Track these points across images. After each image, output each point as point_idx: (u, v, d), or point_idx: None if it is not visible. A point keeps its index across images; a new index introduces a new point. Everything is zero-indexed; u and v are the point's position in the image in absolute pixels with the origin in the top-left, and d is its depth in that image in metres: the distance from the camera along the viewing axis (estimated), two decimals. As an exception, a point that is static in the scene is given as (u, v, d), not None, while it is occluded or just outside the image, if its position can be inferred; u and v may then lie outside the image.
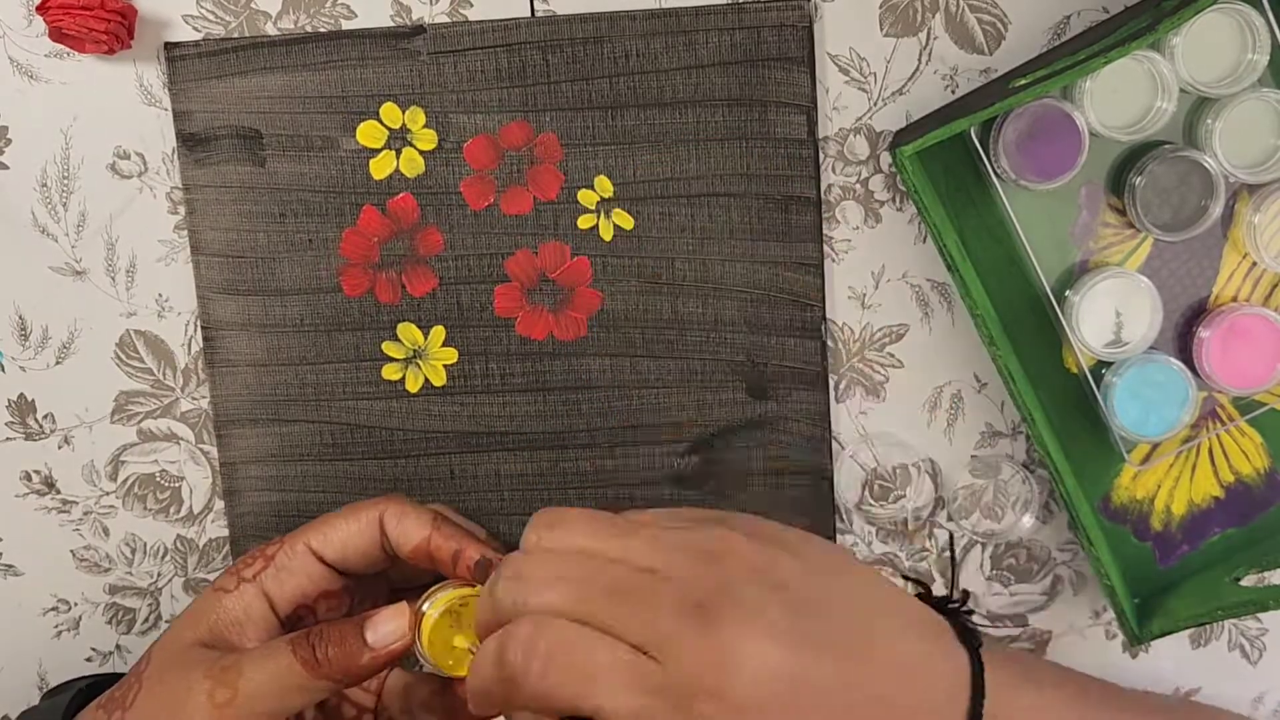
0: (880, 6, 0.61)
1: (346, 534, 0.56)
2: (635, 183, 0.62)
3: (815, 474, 0.63)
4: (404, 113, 0.61)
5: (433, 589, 0.55)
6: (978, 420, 0.64)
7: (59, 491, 0.65)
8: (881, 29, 0.61)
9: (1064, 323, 0.59)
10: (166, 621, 0.66)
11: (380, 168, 0.62)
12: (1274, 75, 0.58)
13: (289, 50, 0.61)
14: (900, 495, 0.64)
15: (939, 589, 0.65)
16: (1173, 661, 0.65)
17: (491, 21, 0.61)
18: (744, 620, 0.45)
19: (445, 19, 0.61)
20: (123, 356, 0.64)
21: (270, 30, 0.61)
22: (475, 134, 0.62)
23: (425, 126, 0.62)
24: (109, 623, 0.66)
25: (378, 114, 0.61)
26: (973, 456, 0.64)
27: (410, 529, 0.55)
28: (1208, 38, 0.57)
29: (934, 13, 0.61)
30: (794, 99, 0.61)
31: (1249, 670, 0.65)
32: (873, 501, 0.64)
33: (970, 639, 0.50)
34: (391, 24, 0.61)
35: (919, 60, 0.61)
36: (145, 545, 0.65)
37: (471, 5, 0.61)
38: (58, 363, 0.64)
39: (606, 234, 0.62)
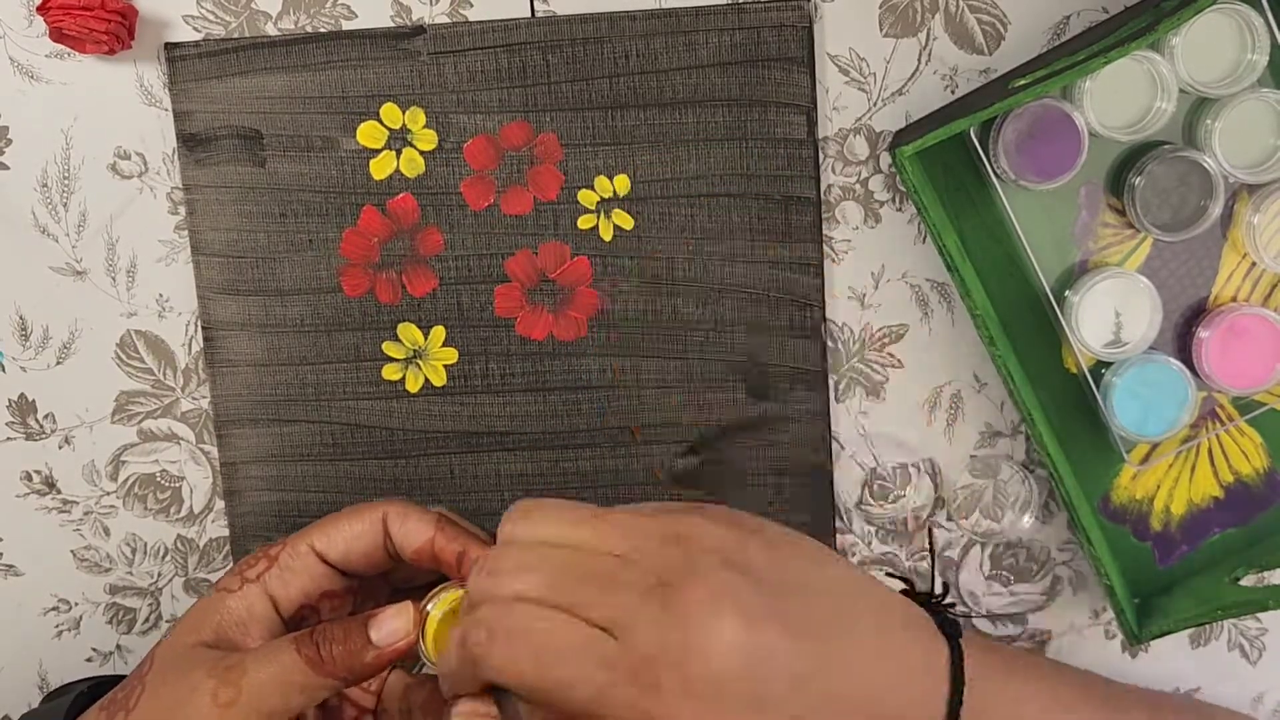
0: (880, 7, 0.61)
1: (350, 535, 0.56)
2: (635, 183, 0.62)
3: (815, 474, 0.63)
4: (404, 113, 0.62)
5: (436, 589, 0.55)
6: (977, 420, 0.64)
7: (59, 491, 0.65)
8: (881, 29, 0.61)
9: (1064, 323, 0.59)
10: (167, 621, 0.66)
11: (380, 168, 0.62)
12: (1273, 75, 0.58)
13: (289, 50, 0.61)
14: (900, 495, 0.64)
15: (925, 585, 0.65)
16: (1172, 661, 0.65)
17: (491, 22, 0.61)
18: (708, 597, 0.45)
19: (445, 19, 0.61)
20: (123, 356, 0.64)
21: (270, 30, 0.61)
22: (475, 134, 0.62)
23: (425, 127, 0.62)
24: (109, 623, 0.66)
25: (378, 114, 0.62)
26: (972, 456, 0.64)
27: (414, 530, 0.56)
28: (1207, 38, 0.57)
29: (934, 13, 0.61)
30: (794, 99, 0.61)
31: (1249, 670, 0.65)
32: (873, 501, 0.64)
33: (951, 629, 0.51)
34: (391, 24, 0.61)
35: (919, 60, 0.61)
36: (146, 545, 0.65)
37: (471, 5, 0.61)
38: (58, 363, 0.64)
39: (606, 234, 0.62)
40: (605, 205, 0.62)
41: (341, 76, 0.61)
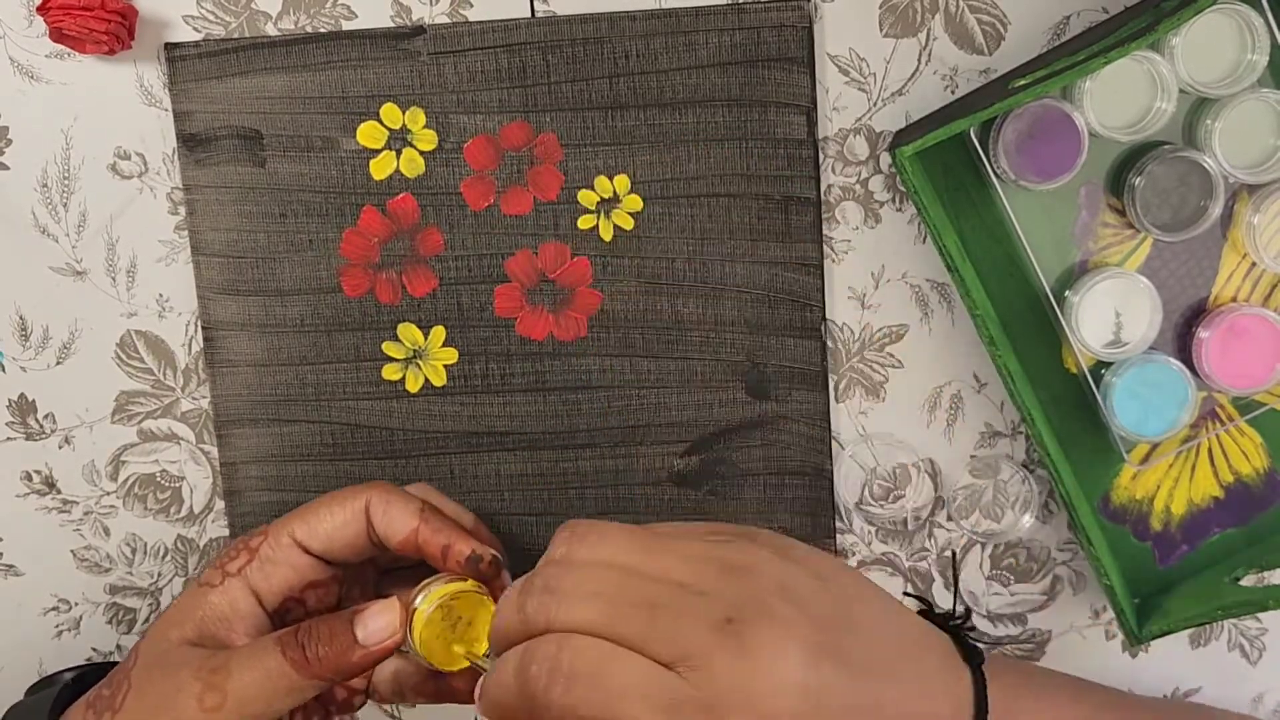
0: (880, 7, 0.61)
1: (332, 525, 0.55)
2: (635, 183, 0.62)
3: (815, 474, 0.63)
4: (404, 113, 0.62)
5: (424, 583, 0.54)
6: (977, 420, 0.64)
7: (59, 491, 0.65)
8: (881, 29, 0.61)
9: (1064, 323, 0.59)
10: (167, 621, 0.66)
11: (380, 168, 0.62)
12: (1273, 75, 0.58)
13: (289, 51, 0.61)
14: (900, 495, 0.64)
15: (938, 589, 0.65)
16: (1172, 661, 0.65)
17: (491, 22, 0.61)
18: (776, 636, 0.44)
19: (445, 19, 0.61)
20: (123, 356, 0.64)
21: (270, 31, 0.61)
22: (475, 134, 0.62)
23: (425, 127, 0.62)
24: (109, 622, 0.66)
25: (378, 114, 0.62)
26: (972, 456, 0.64)
27: (396, 521, 0.55)
28: (1207, 38, 0.57)
29: (934, 13, 0.61)
30: (794, 99, 0.61)
31: (1248, 670, 0.65)
32: (873, 501, 0.64)
33: (973, 657, 0.50)
34: (392, 24, 0.61)
35: (919, 60, 0.61)
36: (146, 545, 0.65)
37: (471, 5, 0.61)
38: (58, 363, 0.64)
39: (606, 234, 0.62)
40: (605, 205, 0.62)
41: (341, 76, 0.61)
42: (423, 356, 0.63)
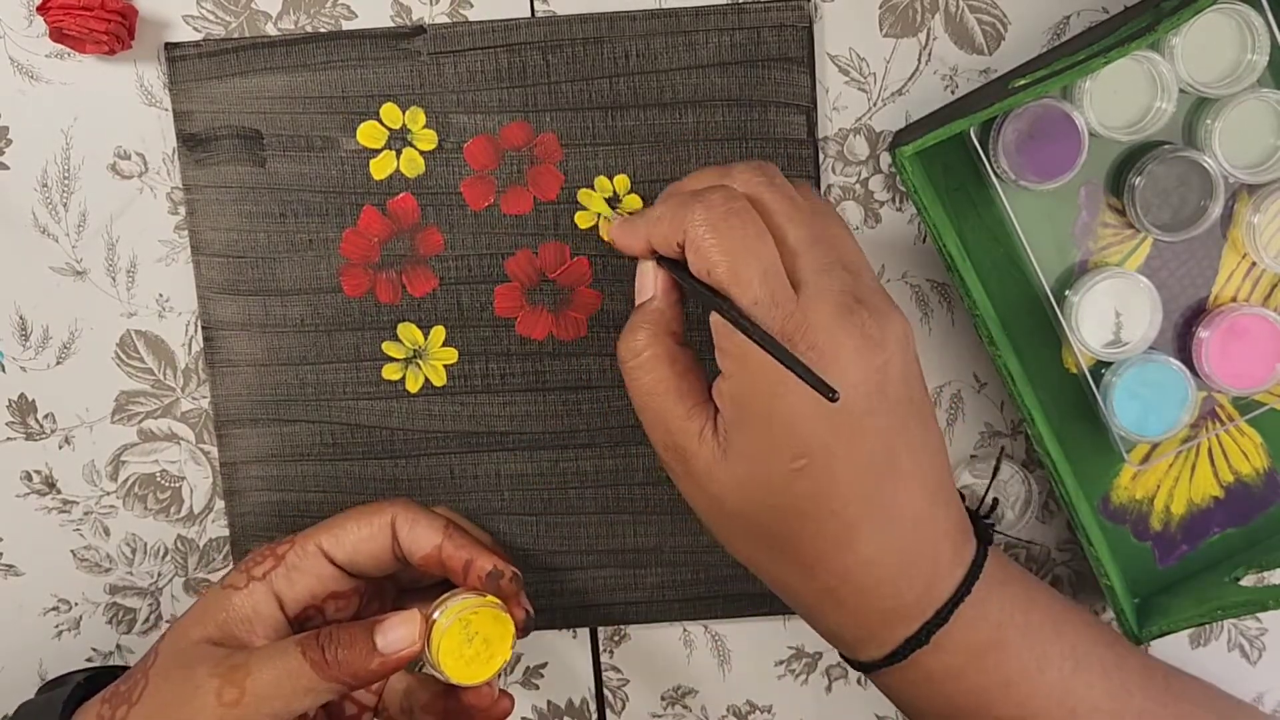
0: (880, 7, 0.61)
1: (358, 537, 0.56)
2: (635, 183, 0.62)
3: (815, 474, 0.63)
4: (404, 113, 0.62)
5: (444, 597, 0.55)
6: (978, 420, 0.64)
7: (59, 491, 0.65)
8: (881, 29, 0.61)
9: (1063, 323, 0.59)
10: (167, 621, 0.66)
11: (380, 168, 0.62)
12: (1273, 75, 0.58)
13: (289, 51, 0.61)
14: (900, 495, 0.64)
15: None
16: (1172, 661, 0.65)
17: (491, 22, 0.61)
18: (879, 329, 0.51)
19: (445, 19, 0.61)
20: (123, 356, 0.64)
21: (270, 30, 0.61)
22: (475, 134, 0.62)
23: (425, 127, 0.62)
24: (109, 623, 0.66)
25: (378, 114, 0.62)
26: (972, 456, 0.64)
27: (421, 536, 0.56)
28: (1207, 38, 0.57)
29: (934, 13, 0.61)
30: (794, 99, 0.61)
31: (1248, 670, 0.65)
32: (873, 501, 0.64)
33: (983, 536, 0.55)
34: (392, 24, 0.61)
35: (919, 60, 0.61)
36: (146, 545, 0.65)
37: (471, 5, 0.61)
38: (58, 363, 0.64)
39: (606, 234, 0.62)
40: (605, 205, 0.62)
41: (341, 76, 0.61)
42: (423, 356, 0.63)
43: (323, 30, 0.61)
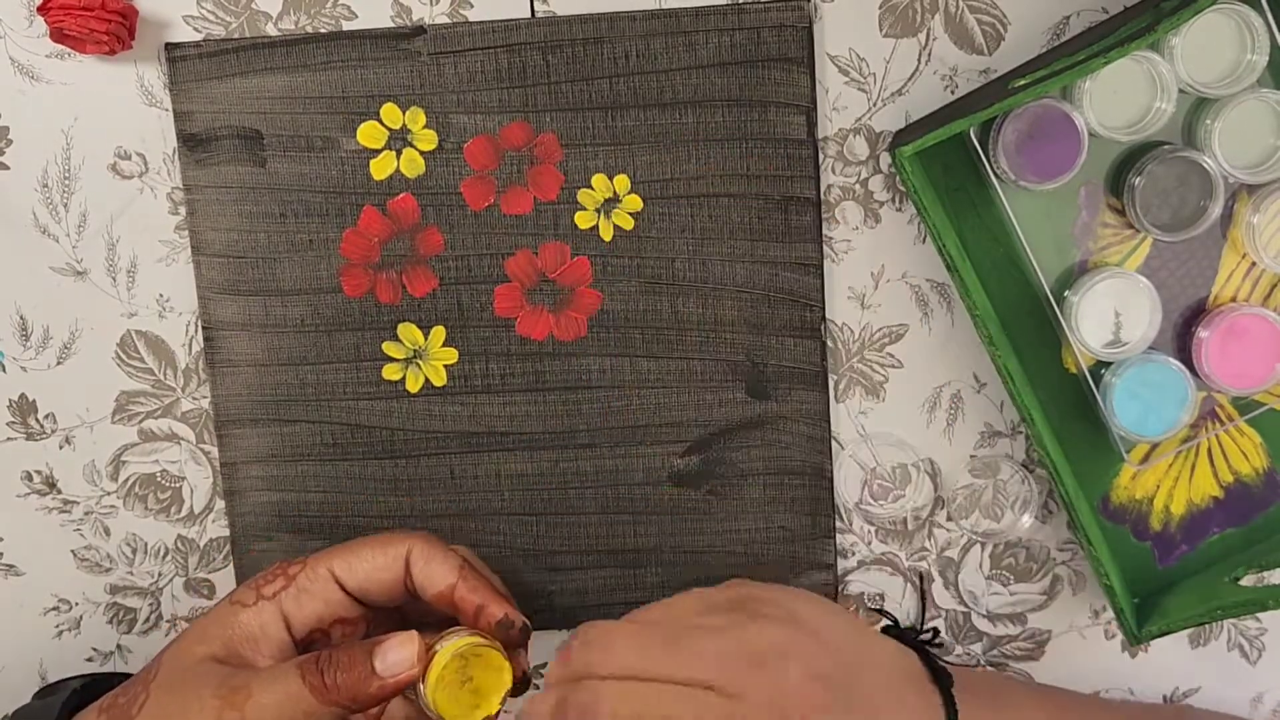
0: (880, 7, 0.61)
1: (372, 566, 0.56)
2: (635, 183, 0.62)
3: (815, 474, 0.63)
4: (404, 113, 0.62)
5: (449, 630, 0.55)
6: (977, 420, 0.64)
7: (60, 491, 0.65)
8: (881, 29, 0.61)
9: (1063, 323, 0.59)
10: (167, 622, 0.66)
11: (381, 168, 0.62)
12: (1273, 76, 0.58)
13: (289, 51, 0.61)
14: (900, 495, 0.64)
15: (938, 589, 0.65)
16: (1172, 661, 0.65)
17: (492, 22, 0.61)
18: None
19: (445, 19, 0.61)
20: (123, 357, 0.64)
21: (271, 31, 0.61)
22: (475, 134, 0.62)
23: (426, 127, 0.62)
24: (110, 622, 0.66)
25: (378, 114, 0.62)
26: (972, 456, 0.64)
27: (436, 574, 0.56)
28: (1207, 38, 0.57)
29: (933, 13, 0.61)
30: (794, 99, 0.61)
31: (1248, 670, 0.65)
32: (872, 501, 0.64)
33: (941, 679, 0.54)
34: (392, 24, 0.61)
35: (919, 61, 0.61)
36: (146, 545, 0.65)
37: (472, 6, 0.61)
38: (59, 363, 0.64)
39: (606, 234, 0.62)
40: (605, 205, 0.62)
41: (342, 77, 0.61)
42: (423, 356, 0.63)
43: (323, 30, 0.61)
